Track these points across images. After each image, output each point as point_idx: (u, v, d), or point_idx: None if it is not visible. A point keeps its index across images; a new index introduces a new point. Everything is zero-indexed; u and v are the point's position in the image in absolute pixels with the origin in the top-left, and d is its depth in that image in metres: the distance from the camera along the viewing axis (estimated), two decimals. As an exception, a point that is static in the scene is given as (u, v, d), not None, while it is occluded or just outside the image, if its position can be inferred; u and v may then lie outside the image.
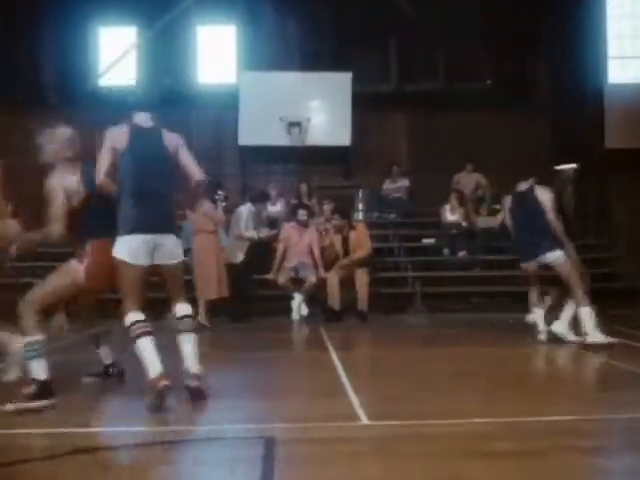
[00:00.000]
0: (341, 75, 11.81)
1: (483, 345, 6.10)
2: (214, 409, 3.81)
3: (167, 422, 3.55)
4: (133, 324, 3.69)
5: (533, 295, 6.12)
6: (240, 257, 8.27)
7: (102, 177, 3.76)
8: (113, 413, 3.88)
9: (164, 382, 3.61)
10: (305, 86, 11.84)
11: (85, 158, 4.09)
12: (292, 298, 8.47)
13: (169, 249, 3.81)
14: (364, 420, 3.44)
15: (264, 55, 12.05)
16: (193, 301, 7.32)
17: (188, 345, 3.88)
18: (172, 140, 3.93)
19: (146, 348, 3.65)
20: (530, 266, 6.02)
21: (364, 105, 11.71)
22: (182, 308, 3.93)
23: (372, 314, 8.22)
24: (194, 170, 3.95)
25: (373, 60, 12.39)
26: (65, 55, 12.11)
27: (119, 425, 3.56)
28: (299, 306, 8.44)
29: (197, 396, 3.83)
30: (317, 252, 8.60)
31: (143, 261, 3.73)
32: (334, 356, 5.43)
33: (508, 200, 6.31)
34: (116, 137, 3.80)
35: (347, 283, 8.29)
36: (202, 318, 7.51)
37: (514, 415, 3.49)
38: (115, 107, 12.38)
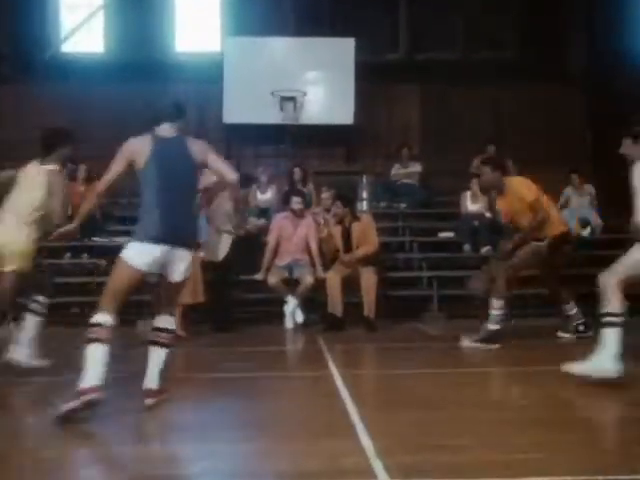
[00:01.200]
0: (343, 41, 11.43)
1: (524, 363, 5.42)
2: (181, 457, 3.21)
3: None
4: (96, 325, 3.76)
5: None
6: (223, 254, 7.74)
7: (101, 188, 4.05)
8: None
9: (96, 395, 3.63)
10: (301, 54, 11.46)
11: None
12: (285, 302, 8.07)
13: (179, 265, 3.97)
14: (382, 478, 2.79)
15: (253, 18, 11.62)
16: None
17: (154, 359, 4.01)
18: (197, 148, 4.09)
19: (95, 355, 3.70)
20: None
21: (369, 77, 11.31)
22: (164, 319, 4.09)
23: (380, 321, 7.73)
24: (226, 171, 4.09)
25: (380, 24, 12.03)
26: (20, 18, 11.56)
27: None
28: (293, 312, 8.02)
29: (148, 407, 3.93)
30: (315, 247, 8.20)
31: (147, 268, 3.88)
32: (337, 377, 4.85)
33: None
34: (135, 147, 4.01)
35: (351, 284, 7.83)
36: (177, 325, 7.03)
37: (591, 472, 2.81)
38: (79, 77, 11.93)
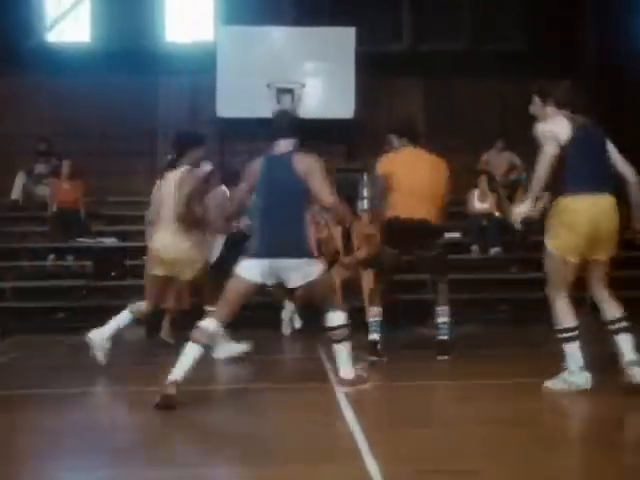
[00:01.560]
0: (343, 31, 11.31)
1: (536, 374, 5.15)
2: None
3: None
4: (200, 328, 4.26)
5: None
6: (215, 256, 7.49)
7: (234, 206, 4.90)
8: None
9: (169, 391, 4.02)
10: (298, 44, 11.36)
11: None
12: (282, 307, 7.92)
13: (292, 274, 4.31)
14: (392, 511, 2.52)
15: (248, 6, 11.43)
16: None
17: (340, 355, 4.52)
18: (302, 163, 4.32)
19: (188, 354, 4.15)
20: None
21: (371, 68, 11.19)
22: (331, 318, 4.52)
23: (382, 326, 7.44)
24: (322, 194, 4.31)
25: (382, 13, 11.91)
26: (3, 4, 11.31)
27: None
28: (291, 317, 7.87)
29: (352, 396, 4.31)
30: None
31: (256, 281, 4.31)
32: (337, 389, 4.57)
33: None
34: (251, 170, 4.48)
35: (351, 287, 7.65)
36: (165, 333, 6.94)
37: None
38: (65, 68, 11.68)
